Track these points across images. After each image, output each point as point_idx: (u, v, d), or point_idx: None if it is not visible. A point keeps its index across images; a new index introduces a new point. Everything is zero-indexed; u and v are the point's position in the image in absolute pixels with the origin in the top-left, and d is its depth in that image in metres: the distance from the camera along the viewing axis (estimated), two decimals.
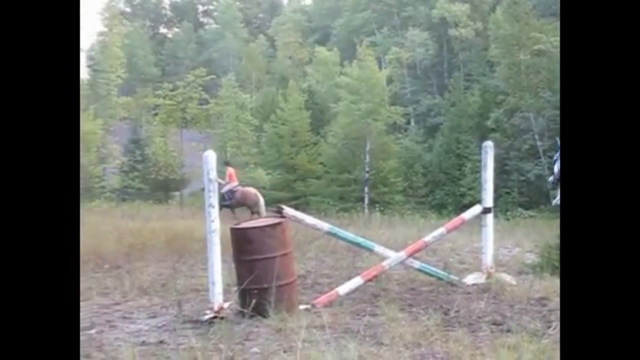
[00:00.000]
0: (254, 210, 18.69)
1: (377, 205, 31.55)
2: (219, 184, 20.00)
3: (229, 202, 19.25)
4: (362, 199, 35.45)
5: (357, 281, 5.96)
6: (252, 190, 19.81)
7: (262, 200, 18.76)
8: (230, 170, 20.33)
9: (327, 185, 37.10)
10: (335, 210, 29.53)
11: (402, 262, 6.38)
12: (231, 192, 19.65)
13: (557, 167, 14.68)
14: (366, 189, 35.85)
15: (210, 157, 5.29)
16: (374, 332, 4.57)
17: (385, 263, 6.20)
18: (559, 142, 16.61)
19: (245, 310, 5.05)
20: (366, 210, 32.34)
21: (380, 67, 42.00)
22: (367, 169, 36.30)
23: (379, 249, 6.31)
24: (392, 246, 7.00)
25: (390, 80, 43.05)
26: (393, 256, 6.28)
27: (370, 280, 6.13)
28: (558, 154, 15.85)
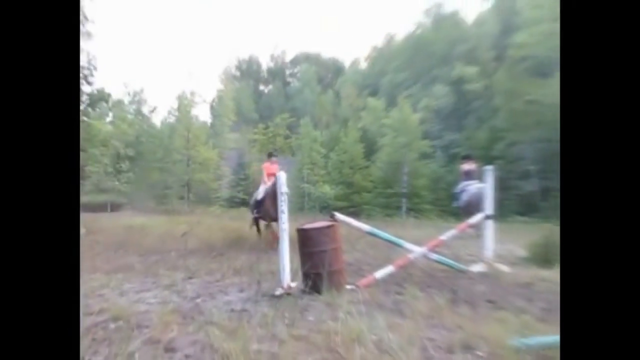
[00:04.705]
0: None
1: (411, 212, 31.09)
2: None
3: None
4: (401, 208, 34.92)
5: (389, 269, 5.78)
6: None
7: None
8: (273, 166, 11.05)
9: (375, 197, 36.66)
10: (382, 216, 29.19)
11: (424, 255, 6.17)
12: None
13: (465, 196, 12.82)
14: (404, 200, 35.30)
15: (282, 176, 5.25)
16: (399, 307, 4.40)
17: (411, 255, 6.00)
18: (463, 169, 14.23)
19: (306, 289, 4.97)
20: (404, 216, 31.88)
21: (414, 112, 41.48)
22: (404, 185, 35.76)
23: (407, 245, 6.11)
24: (419, 242, 6.75)
25: (422, 122, 42.39)
26: (417, 250, 6.07)
27: (400, 267, 5.95)
28: (464, 184, 13.67)
